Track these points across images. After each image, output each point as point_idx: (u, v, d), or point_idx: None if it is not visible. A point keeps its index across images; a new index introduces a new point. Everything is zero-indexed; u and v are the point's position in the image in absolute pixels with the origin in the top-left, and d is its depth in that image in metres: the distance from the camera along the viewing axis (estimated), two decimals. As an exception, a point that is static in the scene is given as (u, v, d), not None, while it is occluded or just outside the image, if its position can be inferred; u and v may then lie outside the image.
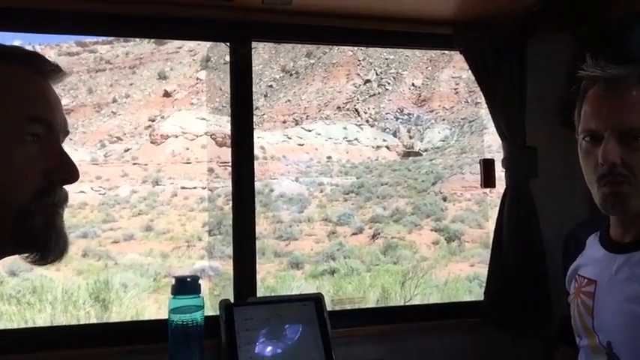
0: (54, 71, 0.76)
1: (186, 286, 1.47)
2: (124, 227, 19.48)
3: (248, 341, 1.55)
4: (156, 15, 1.61)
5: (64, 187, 0.74)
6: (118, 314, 8.12)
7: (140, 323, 1.71)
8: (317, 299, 1.69)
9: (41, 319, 7.81)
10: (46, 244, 0.72)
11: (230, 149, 1.75)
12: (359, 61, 33.07)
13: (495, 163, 1.98)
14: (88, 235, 17.93)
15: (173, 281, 1.48)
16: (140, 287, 9.52)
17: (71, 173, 0.73)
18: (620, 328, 1.07)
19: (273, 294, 8.78)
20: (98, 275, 10.68)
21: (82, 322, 7.55)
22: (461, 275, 11.82)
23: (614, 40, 1.84)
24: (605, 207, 1.09)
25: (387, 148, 28.07)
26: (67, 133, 0.78)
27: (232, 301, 1.69)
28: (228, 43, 1.73)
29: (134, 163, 26.50)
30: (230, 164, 1.75)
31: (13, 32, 1.52)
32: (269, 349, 1.58)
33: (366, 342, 1.79)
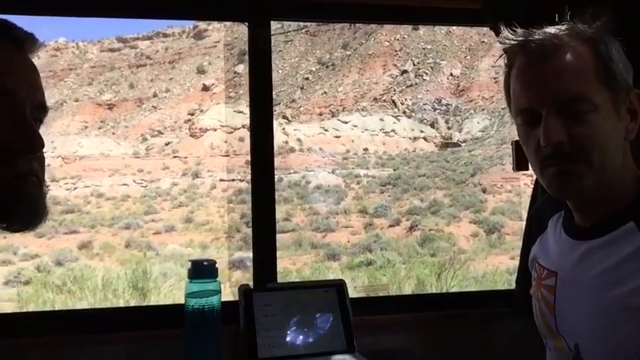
0: (27, 40, 0.75)
1: (202, 269, 1.44)
2: (165, 219, 19.97)
3: (267, 327, 1.52)
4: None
5: (34, 156, 0.72)
6: (156, 302, 8.30)
7: (157, 308, 1.70)
8: (339, 285, 1.64)
9: (81, 306, 8.07)
10: (5, 212, 0.71)
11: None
12: (396, 51, 32.70)
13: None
14: (131, 227, 18.46)
15: (189, 265, 1.46)
16: (179, 276, 9.72)
17: (30, 144, 0.70)
18: (588, 327, 0.90)
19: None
20: (138, 265, 10.97)
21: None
22: (500, 268, 11.57)
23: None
24: (554, 189, 0.92)
25: (425, 139, 27.72)
26: (40, 104, 0.76)
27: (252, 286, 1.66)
28: (247, 24, 1.69)
29: (174, 156, 27.08)
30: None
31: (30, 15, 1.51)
32: (291, 336, 1.54)
33: (392, 331, 1.73)
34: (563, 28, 0.91)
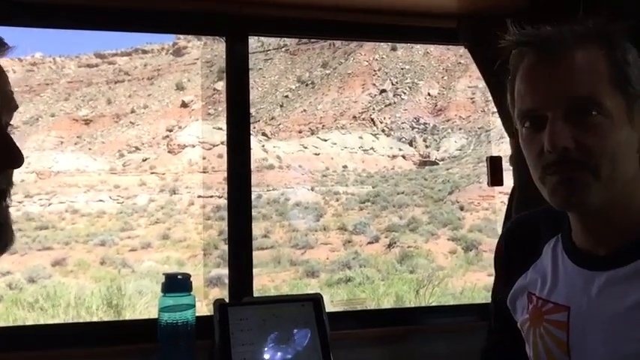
0: None
1: (176, 283, 1.43)
2: (141, 235, 19.68)
3: (242, 342, 1.50)
4: (150, 8, 1.58)
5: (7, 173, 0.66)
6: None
7: (131, 322, 1.67)
8: (316, 299, 1.63)
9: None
10: None
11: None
12: (374, 71, 33.06)
13: (503, 160, 1.92)
14: (106, 243, 18.14)
15: (163, 279, 1.44)
16: (155, 294, 9.56)
17: (10, 157, 0.65)
18: None
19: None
20: (112, 282, 10.77)
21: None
22: (478, 284, 11.65)
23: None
24: (558, 199, 0.83)
25: (403, 157, 27.96)
26: (13, 109, 0.70)
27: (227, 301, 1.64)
28: (224, 38, 1.69)
29: (152, 173, 26.77)
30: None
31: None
32: (267, 352, 1.52)
33: (368, 345, 1.72)
34: (577, 27, 0.85)
